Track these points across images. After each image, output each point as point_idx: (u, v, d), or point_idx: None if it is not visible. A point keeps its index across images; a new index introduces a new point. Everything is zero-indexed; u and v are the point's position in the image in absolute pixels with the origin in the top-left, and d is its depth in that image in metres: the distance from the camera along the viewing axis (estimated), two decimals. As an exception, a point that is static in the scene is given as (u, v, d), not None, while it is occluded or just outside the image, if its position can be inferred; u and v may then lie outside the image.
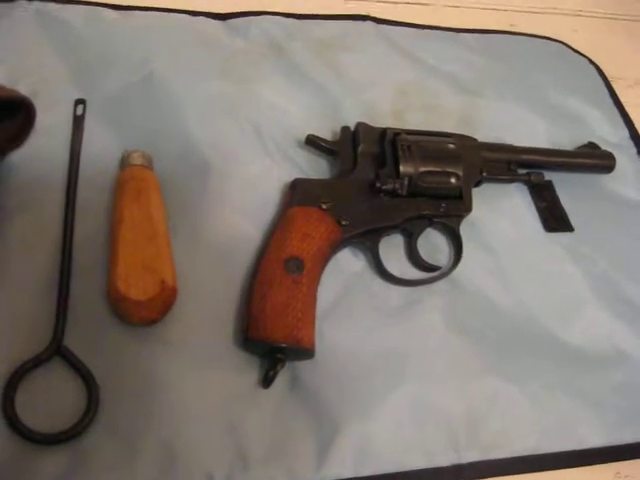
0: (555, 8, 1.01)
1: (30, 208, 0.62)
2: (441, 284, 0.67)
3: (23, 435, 0.52)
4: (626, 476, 0.63)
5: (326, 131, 0.73)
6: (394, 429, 0.59)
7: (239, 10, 0.83)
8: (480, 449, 0.60)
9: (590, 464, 0.62)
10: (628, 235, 0.77)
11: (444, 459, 0.59)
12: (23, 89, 0.63)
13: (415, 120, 0.78)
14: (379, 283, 0.66)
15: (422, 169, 0.66)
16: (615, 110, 0.89)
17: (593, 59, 0.95)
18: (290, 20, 0.84)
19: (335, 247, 0.63)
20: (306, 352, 0.58)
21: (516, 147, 0.75)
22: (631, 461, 0.63)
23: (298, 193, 0.65)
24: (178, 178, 0.67)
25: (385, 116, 0.78)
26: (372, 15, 0.88)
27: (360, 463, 0.57)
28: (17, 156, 0.64)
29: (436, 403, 0.61)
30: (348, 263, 0.67)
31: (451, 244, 0.70)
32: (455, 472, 0.59)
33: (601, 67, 0.94)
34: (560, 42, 0.96)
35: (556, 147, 0.80)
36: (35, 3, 0.76)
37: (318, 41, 0.82)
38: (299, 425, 0.57)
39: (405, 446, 0.59)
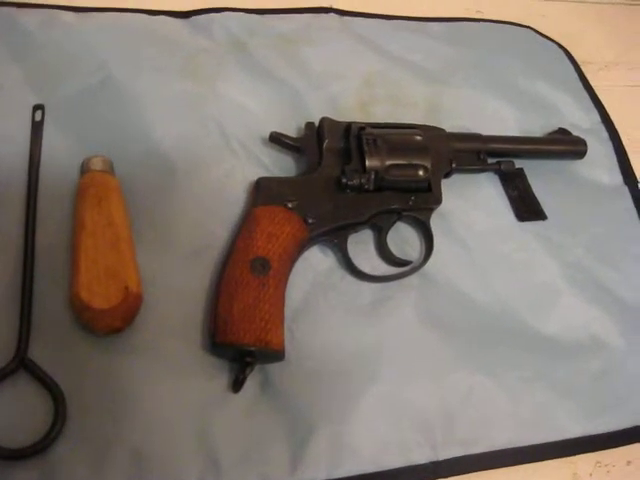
0: (523, -7, 1.01)
1: (-11, 218, 0.61)
2: (413, 279, 0.67)
3: (-11, 451, 0.51)
4: (606, 465, 0.63)
5: (291, 128, 0.73)
6: (369, 428, 0.58)
7: (200, 7, 0.82)
8: (457, 444, 0.60)
9: (570, 454, 0.62)
10: (602, 220, 0.76)
11: (421, 456, 0.59)
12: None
13: (382, 112, 0.78)
14: (349, 280, 0.66)
15: (388, 162, 0.65)
16: (585, 94, 0.88)
17: (562, 44, 0.94)
18: (252, 16, 0.83)
19: (302, 246, 0.63)
20: (275, 354, 0.57)
21: (485, 136, 0.74)
22: (611, 450, 0.63)
23: (262, 192, 0.64)
24: (141, 181, 0.66)
25: (351, 110, 0.77)
26: (336, 7, 0.88)
27: (335, 464, 0.56)
28: (-25, 165, 0.63)
29: (411, 400, 0.60)
30: (317, 261, 0.66)
31: (422, 237, 0.69)
32: (432, 469, 0.59)
33: (571, 51, 0.93)
34: (528, 27, 0.95)
35: (526, 134, 0.80)
36: (-11, 8, 0.75)
37: (281, 36, 0.81)
38: (271, 428, 0.57)
39: (381, 445, 0.58)
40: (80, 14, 0.77)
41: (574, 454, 0.62)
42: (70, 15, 0.76)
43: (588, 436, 0.63)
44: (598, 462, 0.63)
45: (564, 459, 0.62)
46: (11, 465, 0.51)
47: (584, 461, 0.63)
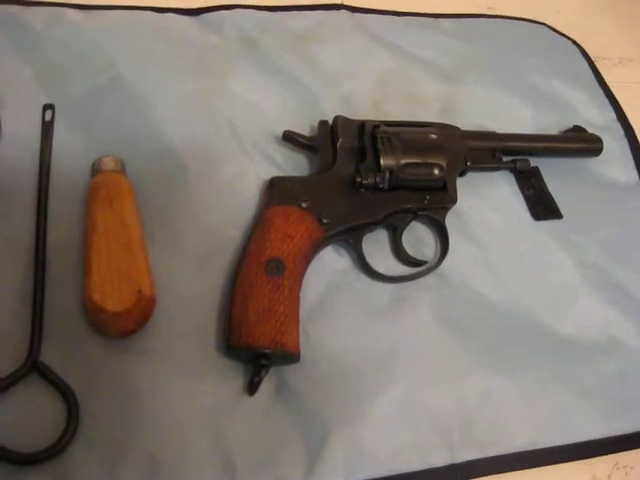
0: (536, -12, 1.00)
1: (0, 219, 0.61)
2: (428, 279, 0.66)
3: (2, 457, 0.50)
4: (625, 466, 0.63)
5: (304, 126, 0.72)
6: (386, 431, 0.58)
7: (210, 5, 0.81)
8: (475, 447, 0.59)
9: (588, 456, 0.62)
10: (618, 219, 0.75)
11: (438, 459, 0.58)
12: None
13: (395, 110, 0.77)
14: (364, 281, 0.65)
15: (403, 161, 0.64)
16: (600, 91, 0.87)
17: (576, 40, 0.93)
18: (263, 13, 0.82)
19: (317, 246, 0.62)
20: (291, 356, 0.57)
21: (500, 134, 0.73)
22: (630, 451, 0.62)
23: (276, 192, 0.63)
24: (153, 182, 0.65)
25: (364, 108, 0.76)
26: (347, 4, 0.87)
27: (352, 468, 0.56)
28: (-16, 166, 0.63)
29: (428, 401, 0.60)
30: (332, 262, 0.65)
31: (437, 237, 0.69)
32: (450, 471, 0.58)
33: (585, 47, 0.92)
34: (542, 24, 0.94)
35: (541, 132, 0.79)
36: (-5, 7, 0.74)
37: (292, 33, 0.81)
38: (287, 431, 0.56)
39: (398, 447, 0.58)
40: (87, 12, 0.76)
41: (592, 456, 0.62)
42: (77, 13, 0.75)
43: (606, 438, 0.62)
44: (616, 464, 0.62)
45: (582, 461, 0.61)
46: (24, 470, 0.51)
47: (603, 463, 0.62)
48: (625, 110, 0.85)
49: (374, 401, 0.59)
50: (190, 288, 0.61)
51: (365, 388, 0.59)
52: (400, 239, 0.66)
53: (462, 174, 0.71)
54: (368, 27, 0.85)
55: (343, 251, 0.66)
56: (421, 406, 0.59)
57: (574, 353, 0.65)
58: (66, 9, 0.76)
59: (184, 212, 0.64)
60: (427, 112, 0.78)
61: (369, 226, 0.65)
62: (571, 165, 0.77)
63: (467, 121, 0.75)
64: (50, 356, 0.55)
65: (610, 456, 0.62)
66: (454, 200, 0.67)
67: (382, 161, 0.64)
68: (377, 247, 0.66)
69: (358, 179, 0.63)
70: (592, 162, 0.78)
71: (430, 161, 0.65)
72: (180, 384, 0.56)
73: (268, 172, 0.67)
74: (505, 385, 0.62)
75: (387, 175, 0.64)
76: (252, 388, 0.56)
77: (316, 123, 0.70)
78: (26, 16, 0.74)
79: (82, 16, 0.76)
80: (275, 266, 0.58)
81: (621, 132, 0.83)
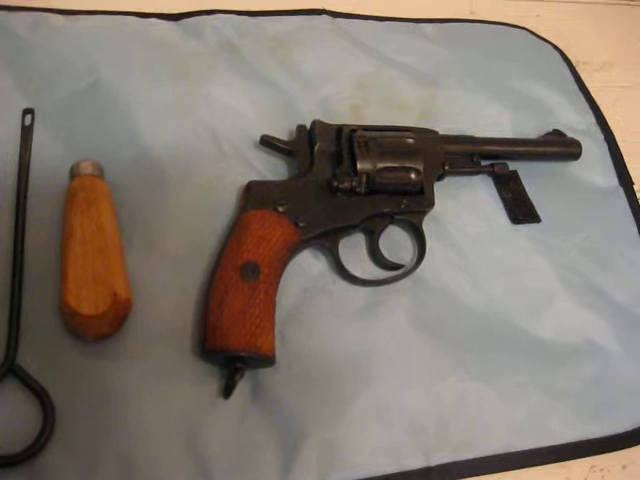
0: (517, -7, 1.00)
1: (-22, 223, 0.61)
2: (405, 282, 0.66)
3: (-23, 459, 0.50)
4: (601, 469, 0.63)
5: (283, 130, 0.72)
6: (361, 434, 0.58)
7: (190, 10, 0.81)
8: (450, 450, 0.59)
9: (565, 459, 0.62)
10: (597, 222, 0.76)
11: (413, 462, 0.58)
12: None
13: (374, 115, 0.77)
14: (341, 284, 0.65)
15: (380, 165, 0.65)
16: (580, 96, 0.87)
17: (557, 44, 0.93)
18: (244, 18, 0.82)
19: (293, 250, 0.62)
20: (266, 359, 0.57)
21: (478, 138, 0.74)
22: (606, 454, 0.63)
23: (253, 196, 0.63)
24: (131, 186, 0.66)
25: (343, 112, 0.77)
26: (328, 8, 0.87)
27: (326, 471, 0.56)
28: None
29: (403, 405, 0.60)
30: (308, 265, 0.65)
31: (414, 241, 0.69)
32: (425, 475, 0.58)
33: (566, 52, 0.93)
34: (523, 28, 0.94)
35: (521, 136, 0.80)
36: (-23, 12, 0.74)
37: (272, 38, 0.81)
38: (262, 435, 0.56)
39: (373, 451, 0.58)
40: (69, 17, 0.76)
41: (569, 459, 0.62)
42: (59, 18, 0.76)
43: (583, 440, 0.62)
44: (593, 466, 0.63)
45: (558, 464, 0.62)
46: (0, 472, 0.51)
47: (579, 466, 0.62)
48: (605, 114, 0.86)
49: (349, 404, 0.59)
50: (166, 292, 0.61)
51: (341, 391, 0.59)
52: (377, 243, 0.66)
53: (440, 178, 0.71)
54: (349, 32, 0.85)
55: (320, 255, 0.66)
56: (397, 409, 0.60)
57: (551, 356, 0.65)
58: (48, 14, 0.76)
59: (162, 216, 0.65)
60: (406, 117, 0.78)
61: (346, 230, 0.65)
62: (550, 169, 0.78)
63: (446, 126, 0.75)
64: (27, 359, 0.55)
65: (586, 459, 0.62)
66: (431, 204, 0.67)
67: (359, 165, 0.64)
68: (354, 251, 0.67)
69: (335, 183, 0.64)
70: (571, 166, 0.78)
71: (407, 165, 0.66)
72: (155, 387, 0.56)
73: (246, 176, 0.67)
74: (481, 388, 0.62)
75: (364, 179, 0.64)
76: (227, 391, 0.56)
77: (294, 127, 0.70)
78: (8, 21, 0.74)
79: (64, 21, 0.76)
80: (251, 270, 0.58)
81: (601, 136, 0.84)
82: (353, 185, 0.64)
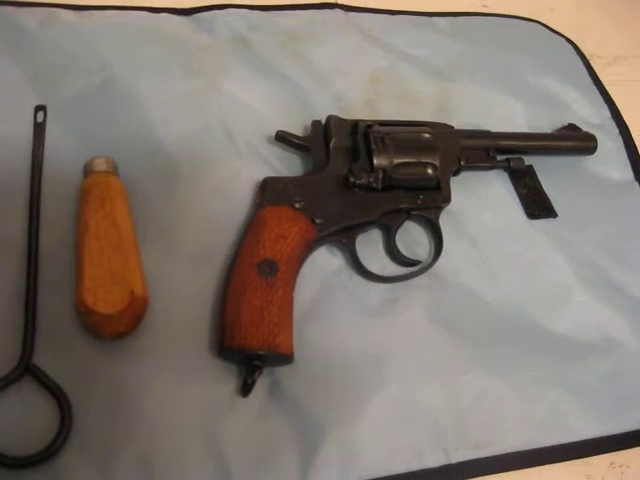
0: (530, -14, 0.99)
1: (-8, 221, 0.61)
2: (422, 279, 0.66)
3: (-5, 460, 0.50)
4: (621, 465, 0.62)
5: (297, 126, 0.72)
6: (380, 431, 0.58)
7: (202, 4, 0.81)
8: (469, 447, 0.59)
9: (583, 456, 0.61)
10: (613, 217, 0.75)
11: (433, 460, 0.58)
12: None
13: (389, 109, 0.76)
14: (358, 281, 0.65)
15: (397, 161, 0.64)
16: (595, 89, 0.87)
17: (571, 38, 0.93)
18: (255, 12, 0.81)
19: (310, 247, 0.62)
20: (284, 358, 0.56)
21: (494, 133, 0.73)
22: (625, 450, 0.62)
23: (269, 192, 0.63)
24: (145, 182, 0.65)
25: (357, 107, 0.76)
26: (340, 2, 0.86)
27: (346, 469, 0.56)
28: (-24, 168, 0.62)
29: (422, 402, 0.60)
30: (325, 262, 0.65)
31: (431, 237, 0.69)
32: (445, 472, 0.58)
33: (579, 45, 0.92)
34: (536, 22, 0.94)
35: (536, 131, 0.79)
36: (-13, 8, 0.74)
37: (285, 33, 0.80)
38: (281, 433, 0.56)
39: (392, 448, 0.57)
40: (80, 12, 0.76)
41: (587, 455, 0.61)
42: (70, 14, 0.75)
43: (602, 437, 0.62)
44: (612, 463, 0.62)
45: (577, 460, 0.61)
46: (16, 473, 0.51)
47: (598, 462, 0.62)
48: (620, 108, 0.85)
49: (368, 401, 0.58)
50: (183, 289, 0.60)
51: (359, 388, 0.59)
52: (394, 239, 0.66)
53: (456, 173, 0.70)
54: (361, 26, 0.84)
55: (336, 251, 0.66)
56: (415, 406, 0.59)
57: (569, 352, 0.65)
58: (59, 10, 0.75)
59: (176, 213, 0.64)
60: (421, 111, 0.77)
61: (362, 226, 0.64)
62: (566, 163, 0.77)
63: (461, 120, 0.75)
64: (43, 359, 0.55)
65: (605, 455, 0.62)
66: (448, 199, 0.67)
67: (375, 161, 0.64)
68: (371, 247, 0.66)
69: (351, 179, 0.63)
70: (587, 160, 0.78)
71: (423, 160, 0.65)
72: (173, 386, 0.56)
73: (261, 172, 0.66)
74: (500, 385, 0.61)
75: (380, 175, 0.64)
76: (246, 389, 0.55)
77: (309, 123, 0.70)
78: (19, 17, 0.73)
79: (75, 17, 0.75)
80: (268, 267, 0.58)
81: (616, 130, 0.83)
82: (370, 181, 0.63)
